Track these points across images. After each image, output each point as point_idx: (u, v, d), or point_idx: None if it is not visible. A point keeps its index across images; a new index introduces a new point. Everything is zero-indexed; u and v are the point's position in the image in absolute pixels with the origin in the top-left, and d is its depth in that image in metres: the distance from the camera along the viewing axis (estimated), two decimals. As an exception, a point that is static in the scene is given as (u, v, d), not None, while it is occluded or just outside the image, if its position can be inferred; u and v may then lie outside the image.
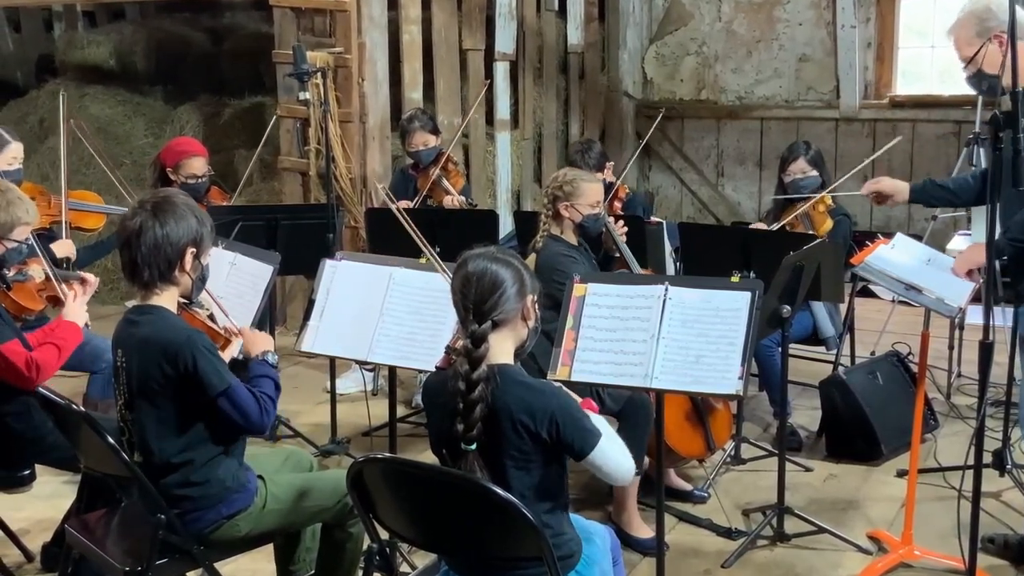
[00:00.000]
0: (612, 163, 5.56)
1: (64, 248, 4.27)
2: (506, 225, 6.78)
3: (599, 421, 2.62)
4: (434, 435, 2.70)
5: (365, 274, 3.72)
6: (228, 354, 3.11)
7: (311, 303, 3.82)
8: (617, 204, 5.38)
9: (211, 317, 3.17)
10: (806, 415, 5.18)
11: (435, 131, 5.66)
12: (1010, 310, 3.75)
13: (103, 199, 5.23)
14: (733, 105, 8.90)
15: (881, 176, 4.39)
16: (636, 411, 3.91)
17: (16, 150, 4.50)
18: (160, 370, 2.81)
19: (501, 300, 2.59)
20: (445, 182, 5.52)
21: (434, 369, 2.75)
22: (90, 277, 3.88)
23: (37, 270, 3.85)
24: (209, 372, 2.80)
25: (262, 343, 3.09)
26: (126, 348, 2.90)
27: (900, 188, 4.20)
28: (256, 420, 2.88)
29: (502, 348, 2.62)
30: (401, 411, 5.08)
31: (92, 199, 5.06)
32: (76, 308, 3.58)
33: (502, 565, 2.58)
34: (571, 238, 4.22)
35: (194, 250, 2.91)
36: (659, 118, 7.13)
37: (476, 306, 2.58)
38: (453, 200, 5.46)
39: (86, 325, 3.61)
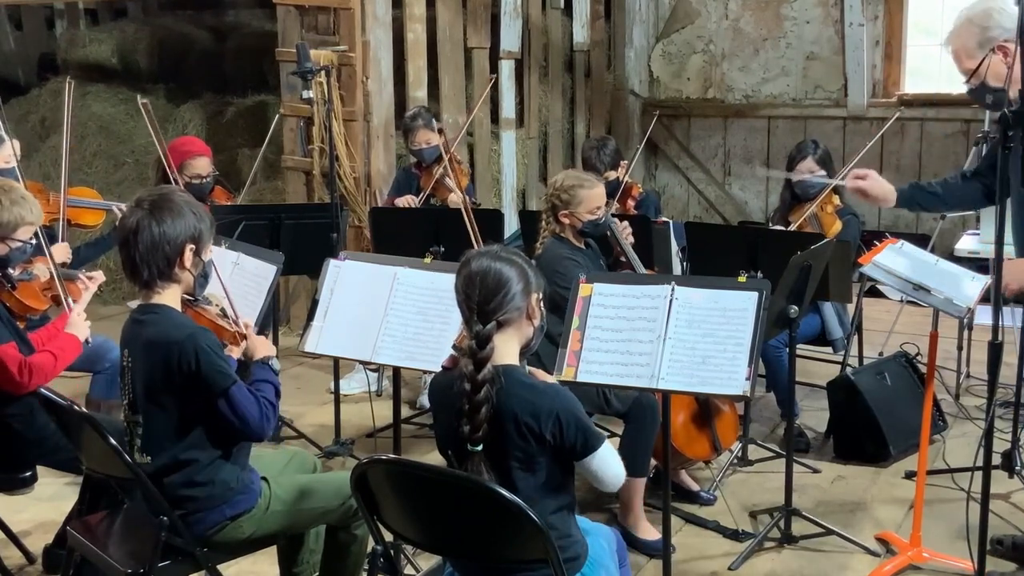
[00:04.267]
0: (626, 161, 5.53)
1: (60, 252, 4.23)
2: (511, 224, 6.75)
3: None
4: (441, 436, 2.68)
5: (369, 274, 3.69)
6: (237, 353, 3.07)
7: (315, 303, 3.80)
8: (631, 202, 5.35)
9: (222, 313, 3.13)
10: (814, 416, 5.15)
11: (439, 129, 5.63)
12: (1019, 310, 3.72)
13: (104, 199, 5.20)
14: (740, 104, 8.86)
15: (872, 172, 3.99)
16: (643, 412, 3.89)
17: (10, 148, 4.47)
18: (164, 370, 2.78)
19: (506, 300, 2.55)
20: (448, 180, 5.49)
21: (440, 369, 2.73)
22: (96, 274, 3.86)
23: (42, 269, 3.84)
24: (212, 371, 2.77)
25: (264, 348, 3.05)
26: (132, 348, 2.88)
27: (887, 194, 3.95)
28: (256, 425, 2.83)
29: (507, 348, 2.59)
30: (405, 412, 5.06)
31: (91, 196, 5.03)
32: (78, 321, 3.58)
33: (507, 567, 2.55)
34: (574, 239, 4.18)
35: (193, 247, 2.87)
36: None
37: (480, 306, 2.55)
38: (457, 198, 5.42)
39: (86, 341, 3.60)
